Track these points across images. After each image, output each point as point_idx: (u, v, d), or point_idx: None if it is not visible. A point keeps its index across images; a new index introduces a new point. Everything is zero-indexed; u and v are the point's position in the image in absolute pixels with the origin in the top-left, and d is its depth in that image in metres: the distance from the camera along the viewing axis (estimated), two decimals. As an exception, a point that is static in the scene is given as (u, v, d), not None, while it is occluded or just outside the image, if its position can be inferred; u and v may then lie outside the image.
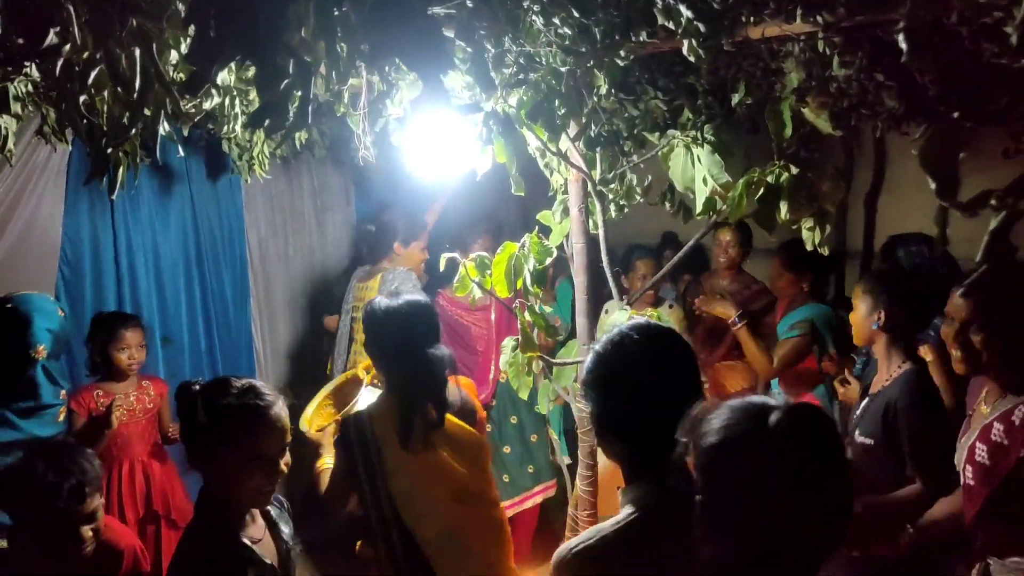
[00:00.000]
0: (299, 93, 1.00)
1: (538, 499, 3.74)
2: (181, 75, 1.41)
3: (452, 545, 2.04)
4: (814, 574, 1.09)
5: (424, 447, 2.05)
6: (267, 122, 0.98)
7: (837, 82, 1.90)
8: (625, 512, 1.37)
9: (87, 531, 1.92)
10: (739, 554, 1.08)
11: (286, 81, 0.95)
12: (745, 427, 1.06)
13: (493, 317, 3.69)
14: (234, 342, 3.99)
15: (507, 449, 3.72)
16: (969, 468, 1.88)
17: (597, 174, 2.22)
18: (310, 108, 1.05)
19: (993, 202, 0.87)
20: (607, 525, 1.37)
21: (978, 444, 1.86)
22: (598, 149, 2.18)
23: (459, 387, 2.28)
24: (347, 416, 2.12)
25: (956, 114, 0.95)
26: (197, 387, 1.61)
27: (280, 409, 1.61)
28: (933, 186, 0.91)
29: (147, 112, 1.11)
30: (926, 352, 2.59)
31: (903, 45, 0.89)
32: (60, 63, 1.11)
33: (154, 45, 1.03)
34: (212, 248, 3.85)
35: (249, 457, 1.55)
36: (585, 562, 1.33)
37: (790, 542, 1.05)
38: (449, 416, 2.13)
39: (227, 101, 2.00)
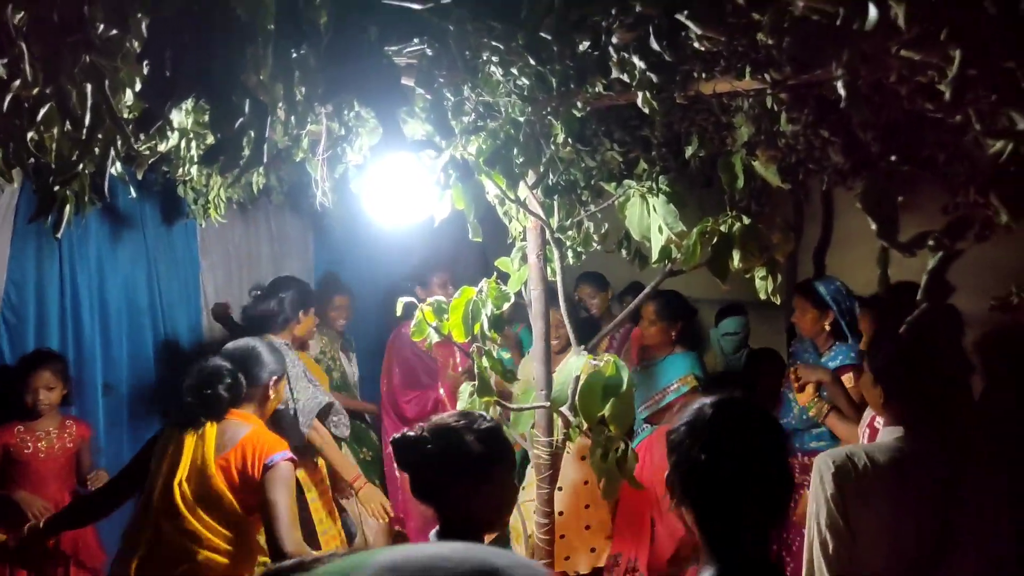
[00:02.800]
0: (254, 133, 0.99)
1: None
2: (135, 114, 1.39)
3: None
4: (766, 542, 1.33)
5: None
6: (221, 160, 0.97)
7: (785, 137, 1.97)
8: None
9: None
10: (699, 522, 1.31)
11: (241, 120, 0.94)
12: (688, 420, 1.35)
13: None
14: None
15: None
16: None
17: (555, 222, 2.25)
18: (265, 149, 1.04)
19: (931, 243, 0.90)
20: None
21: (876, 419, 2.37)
22: (555, 197, 2.21)
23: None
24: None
25: (893, 158, 1.00)
26: (425, 432, 1.63)
27: None
28: (874, 227, 0.95)
29: (97, 150, 1.09)
30: (848, 380, 2.92)
31: (842, 92, 0.93)
32: (8, 99, 1.09)
33: (107, 82, 1.02)
34: (166, 294, 3.76)
35: (511, 470, 1.69)
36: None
37: (739, 509, 1.27)
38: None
39: (183, 143, 1.99)
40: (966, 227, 0.88)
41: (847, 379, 2.92)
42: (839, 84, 0.93)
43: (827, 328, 3.10)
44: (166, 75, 0.91)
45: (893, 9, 0.88)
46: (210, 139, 2.18)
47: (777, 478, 1.32)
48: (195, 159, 2.12)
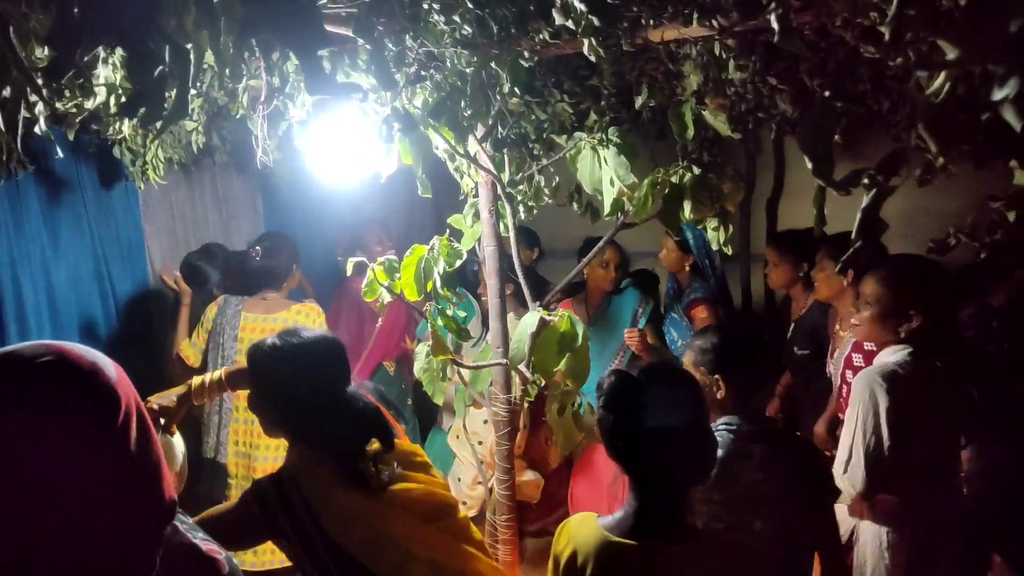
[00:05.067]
0: (177, 82, 0.94)
1: None
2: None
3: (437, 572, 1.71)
4: (684, 499, 1.52)
5: (381, 484, 1.74)
6: (141, 112, 0.91)
7: (734, 85, 1.96)
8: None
9: None
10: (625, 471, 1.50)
11: (161, 68, 0.89)
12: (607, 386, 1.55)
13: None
14: (139, 359, 3.77)
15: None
16: (849, 372, 2.68)
17: (506, 176, 2.21)
18: (190, 101, 0.99)
19: (865, 181, 0.91)
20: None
21: (853, 354, 2.70)
22: (506, 151, 2.17)
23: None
24: (262, 481, 1.74)
25: (827, 93, 1.00)
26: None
27: None
28: (810, 165, 0.95)
29: (7, 105, 1.01)
30: (701, 311, 3.42)
31: (775, 26, 0.91)
32: (-94, 50, 1.01)
33: (11, 29, 0.95)
34: (110, 261, 3.62)
35: None
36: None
37: (654, 465, 1.45)
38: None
39: (112, 100, 1.88)
40: (899, 164, 0.89)
41: (700, 310, 3.44)
42: (772, 18, 0.91)
43: (688, 268, 3.61)
44: (75, 19, 0.84)
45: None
46: (143, 96, 2.07)
47: (693, 434, 1.46)
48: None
